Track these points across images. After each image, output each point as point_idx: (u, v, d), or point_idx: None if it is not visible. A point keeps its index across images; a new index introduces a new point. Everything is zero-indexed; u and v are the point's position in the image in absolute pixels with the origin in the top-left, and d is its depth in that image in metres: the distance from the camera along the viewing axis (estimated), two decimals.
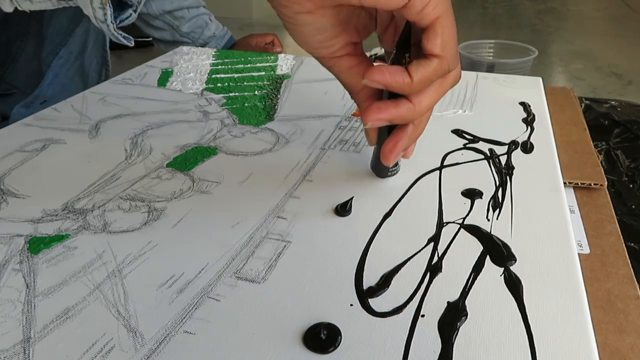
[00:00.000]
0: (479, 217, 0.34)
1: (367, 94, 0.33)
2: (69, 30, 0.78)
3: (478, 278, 0.29)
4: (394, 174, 0.39)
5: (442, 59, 0.29)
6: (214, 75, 0.62)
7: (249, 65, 0.65)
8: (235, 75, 0.62)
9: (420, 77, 0.29)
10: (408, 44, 0.31)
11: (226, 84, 0.59)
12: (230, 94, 0.56)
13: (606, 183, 0.45)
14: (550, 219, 0.34)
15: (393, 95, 0.31)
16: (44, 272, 0.30)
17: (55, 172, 0.41)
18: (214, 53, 0.70)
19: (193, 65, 0.65)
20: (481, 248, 0.32)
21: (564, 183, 0.40)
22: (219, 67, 0.65)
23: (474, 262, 0.30)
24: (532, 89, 0.57)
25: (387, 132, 0.34)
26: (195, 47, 0.81)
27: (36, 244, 0.32)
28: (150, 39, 1.13)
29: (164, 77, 0.61)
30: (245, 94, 0.56)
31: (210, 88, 0.58)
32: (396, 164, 0.38)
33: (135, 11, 0.48)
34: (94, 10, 0.42)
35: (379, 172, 0.39)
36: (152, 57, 0.68)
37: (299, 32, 0.31)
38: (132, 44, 0.51)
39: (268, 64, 0.65)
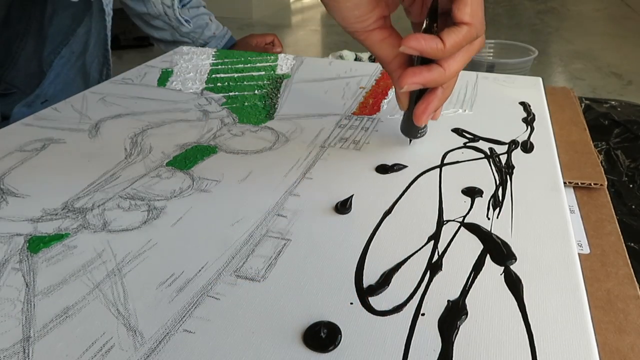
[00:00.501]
0: (479, 215, 0.34)
1: (399, 62, 0.36)
2: (71, 30, 0.78)
3: (478, 277, 0.29)
4: (423, 135, 0.43)
5: (471, 26, 0.33)
6: (214, 75, 0.62)
7: (249, 65, 0.65)
8: (235, 75, 0.62)
9: (452, 43, 0.32)
10: (436, 15, 0.35)
11: (226, 83, 0.59)
12: (230, 94, 0.56)
13: (606, 183, 0.45)
14: (550, 219, 0.34)
15: (424, 63, 0.35)
16: (43, 271, 0.30)
17: (55, 171, 0.41)
18: (214, 53, 0.70)
19: (193, 65, 0.65)
20: (481, 247, 0.32)
21: (564, 183, 0.40)
22: (219, 66, 0.65)
23: (474, 261, 0.30)
24: (532, 89, 0.57)
25: (417, 97, 0.38)
26: (196, 47, 0.81)
27: (36, 243, 0.32)
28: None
29: (164, 77, 0.61)
30: (245, 93, 0.56)
31: (210, 87, 0.58)
32: (424, 126, 0.42)
33: None
34: None
35: (410, 133, 0.43)
36: (152, 57, 0.68)
37: (339, 9, 0.34)
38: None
39: (268, 63, 0.65)
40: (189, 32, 1.01)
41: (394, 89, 0.40)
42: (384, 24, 0.36)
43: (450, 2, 0.33)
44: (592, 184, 0.45)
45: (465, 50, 0.34)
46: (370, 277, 0.29)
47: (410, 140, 0.44)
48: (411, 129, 0.42)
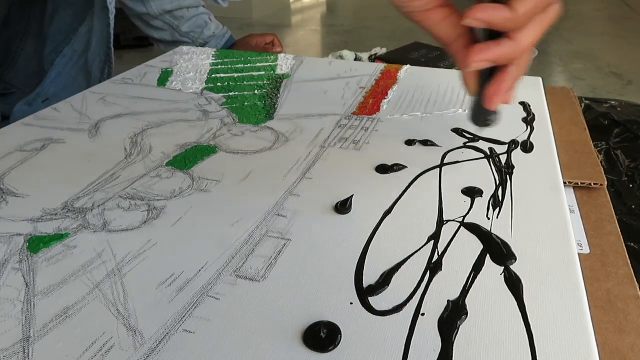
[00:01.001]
0: (479, 215, 0.34)
1: (463, 42, 0.33)
2: (73, 29, 0.78)
3: (478, 277, 0.29)
4: (494, 122, 0.39)
5: None
6: (214, 75, 0.62)
7: (249, 65, 0.65)
8: (235, 75, 0.62)
9: (524, 11, 0.29)
10: None
11: (226, 83, 0.59)
12: (230, 94, 0.56)
13: (606, 183, 0.45)
14: (550, 219, 0.34)
15: (492, 38, 0.31)
16: (43, 271, 0.30)
17: (55, 171, 0.41)
18: (214, 53, 0.70)
19: (193, 65, 0.65)
20: (481, 247, 0.32)
21: (564, 183, 0.40)
22: (219, 66, 0.65)
23: (474, 261, 0.30)
24: (532, 89, 0.57)
25: (486, 78, 0.34)
26: (195, 47, 0.81)
27: (36, 243, 0.32)
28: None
29: (164, 77, 0.61)
30: (245, 93, 0.56)
31: (210, 88, 0.58)
32: (496, 112, 0.38)
33: None
34: None
35: (479, 120, 0.39)
36: (152, 57, 0.68)
37: None
38: (226, 4, 0.55)
39: (268, 63, 0.65)
40: (188, 32, 1.01)
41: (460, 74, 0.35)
42: (444, 1, 0.32)
43: None
44: (592, 184, 0.45)
45: (540, 20, 0.31)
46: (370, 277, 0.29)
47: (482, 127, 0.41)
48: (481, 115, 0.38)
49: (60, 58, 0.79)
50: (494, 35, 0.31)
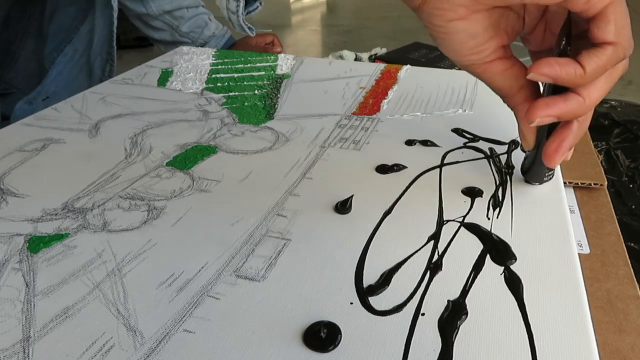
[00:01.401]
0: (479, 215, 0.34)
1: (524, 96, 0.32)
2: (73, 28, 0.78)
3: (478, 277, 0.29)
4: (550, 179, 0.37)
5: (617, 45, 0.27)
6: (214, 75, 0.62)
7: (249, 65, 0.65)
8: (235, 75, 0.62)
9: (594, 68, 0.27)
10: (570, 34, 0.30)
11: (226, 83, 0.59)
12: (230, 94, 0.56)
13: (606, 183, 0.45)
14: (550, 219, 0.34)
15: (555, 93, 0.30)
16: (43, 271, 0.30)
17: (55, 171, 0.41)
18: (213, 53, 0.70)
19: (193, 65, 0.65)
20: (481, 247, 0.32)
21: (564, 183, 0.40)
22: (219, 67, 0.65)
23: (474, 261, 0.30)
24: None
25: (544, 135, 0.33)
26: (195, 47, 0.81)
27: (36, 243, 0.32)
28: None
29: (164, 77, 0.61)
30: (245, 93, 0.56)
31: (210, 88, 0.58)
32: (553, 169, 0.37)
33: (261, 3, 0.52)
34: (227, 2, 0.44)
35: (536, 176, 0.37)
36: (152, 57, 0.68)
37: (450, 40, 0.30)
38: (254, 33, 0.55)
39: (268, 63, 0.65)
40: (188, 32, 1.01)
41: (517, 127, 0.34)
42: (504, 53, 0.31)
43: (586, 21, 0.28)
44: (592, 184, 0.45)
45: (608, 75, 0.29)
46: (370, 277, 0.29)
47: (538, 184, 0.38)
48: (538, 172, 0.37)
49: (61, 56, 0.79)
50: (558, 89, 0.29)
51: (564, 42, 0.30)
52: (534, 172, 0.37)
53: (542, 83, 0.31)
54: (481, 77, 0.32)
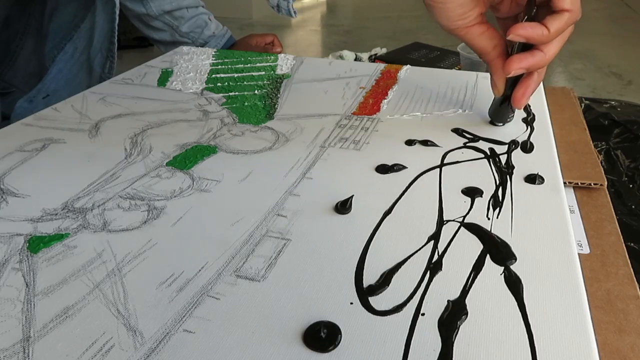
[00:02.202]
0: (479, 215, 0.34)
1: (498, 52, 0.41)
2: (74, 25, 0.78)
3: (478, 277, 0.29)
4: (512, 120, 0.47)
5: (572, 12, 0.37)
6: (214, 75, 0.62)
7: (249, 65, 0.65)
8: (235, 75, 0.62)
9: (556, 29, 0.37)
10: (535, 5, 0.39)
11: (226, 83, 0.59)
12: (230, 94, 0.56)
13: (606, 183, 0.45)
14: (550, 219, 0.34)
15: (523, 50, 0.39)
16: (43, 271, 0.30)
17: (55, 171, 0.41)
18: (213, 53, 0.70)
19: (193, 65, 0.65)
20: (481, 247, 0.32)
21: (564, 183, 0.40)
22: (219, 67, 0.65)
23: (474, 261, 0.30)
24: None
25: (512, 84, 0.43)
26: (195, 47, 0.81)
27: (36, 243, 0.32)
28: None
29: (164, 77, 0.61)
30: (245, 93, 0.56)
31: (210, 88, 0.58)
32: (514, 111, 0.46)
33: None
34: None
35: (502, 117, 0.46)
36: (152, 57, 0.68)
37: (444, 9, 0.39)
38: (296, 16, 0.65)
39: (268, 63, 0.65)
40: (188, 32, 1.01)
41: (489, 77, 0.44)
42: (482, 19, 0.40)
43: None
44: (592, 184, 0.45)
45: (562, 36, 0.38)
46: (370, 277, 0.29)
47: (503, 124, 0.47)
48: (504, 114, 0.46)
49: (62, 54, 0.79)
50: (525, 47, 0.39)
51: (534, 10, 0.39)
52: (501, 114, 0.46)
53: (515, 43, 0.40)
54: (464, 39, 0.41)
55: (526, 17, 0.40)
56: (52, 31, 0.78)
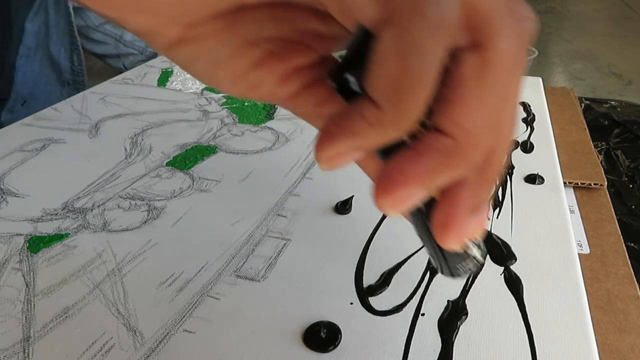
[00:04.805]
0: None
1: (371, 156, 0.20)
2: (21, 27, 0.77)
3: (478, 277, 0.29)
4: (476, 267, 0.20)
5: (396, 22, 0.14)
6: None
7: None
8: None
9: (386, 89, 0.14)
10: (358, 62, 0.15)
11: None
12: None
13: (606, 183, 0.45)
14: (550, 219, 0.34)
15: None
16: (43, 271, 0.30)
17: (55, 171, 0.41)
18: None
19: None
20: None
21: (564, 183, 0.40)
22: None
23: None
24: (532, 89, 0.57)
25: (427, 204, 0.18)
26: (144, 57, 0.78)
27: (36, 243, 0.32)
28: None
29: (164, 77, 0.61)
30: None
31: (210, 88, 0.58)
32: (467, 252, 0.19)
33: None
34: None
35: (449, 268, 0.20)
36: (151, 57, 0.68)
37: (194, 75, 0.20)
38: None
39: None
40: (133, 40, 0.96)
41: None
42: (311, 76, 0.19)
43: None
44: (592, 184, 0.45)
45: (485, 83, 0.15)
46: (370, 277, 0.29)
47: (455, 277, 0.20)
48: (449, 261, 0.20)
49: (18, 58, 0.78)
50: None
51: (332, 79, 0.16)
52: (445, 261, 0.20)
53: None
54: (303, 119, 0.21)
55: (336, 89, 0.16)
56: (15, 37, 0.77)
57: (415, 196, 0.16)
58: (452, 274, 0.20)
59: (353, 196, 0.36)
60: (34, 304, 0.28)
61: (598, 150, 0.66)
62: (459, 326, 0.26)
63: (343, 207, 0.35)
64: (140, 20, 0.17)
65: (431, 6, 0.13)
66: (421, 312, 0.27)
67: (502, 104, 0.15)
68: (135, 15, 0.17)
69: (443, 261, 0.20)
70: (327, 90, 0.19)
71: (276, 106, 0.53)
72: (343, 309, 0.27)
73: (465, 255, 0.19)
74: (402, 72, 0.13)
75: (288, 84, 0.19)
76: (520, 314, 0.27)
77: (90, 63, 0.82)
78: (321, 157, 0.17)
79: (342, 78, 0.16)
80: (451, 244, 0.17)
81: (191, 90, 0.57)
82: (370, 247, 0.32)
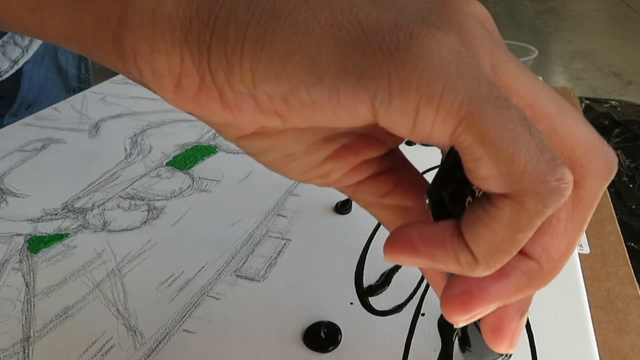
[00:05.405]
0: None
1: (420, 241, 0.17)
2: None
3: None
4: None
5: (517, 198, 0.14)
6: None
7: None
8: None
9: (488, 250, 0.14)
10: (452, 176, 0.16)
11: None
12: None
13: None
14: None
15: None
16: (43, 271, 0.30)
17: (55, 171, 0.41)
18: None
19: None
20: None
21: None
22: None
23: None
24: None
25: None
26: None
27: (36, 243, 0.32)
28: None
29: None
30: None
31: None
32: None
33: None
34: None
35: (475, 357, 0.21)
36: None
37: (264, 164, 0.21)
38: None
39: None
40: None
41: None
42: (378, 167, 0.20)
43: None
44: None
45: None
46: (370, 277, 0.29)
47: None
48: (479, 354, 0.21)
49: (25, 64, 0.78)
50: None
51: (429, 198, 0.16)
52: (472, 354, 0.22)
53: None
54: (360, 205, 0.21)
55: (431, 206, 0.16)
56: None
57: (487, 312, 0.16)
58: None
59: None
60: (34, 304, 0.28)
61: None
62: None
63: (343, 207, 0.35)
64: (224, 115, 0.16)
65: (553, 196, 0.13)
66: (421, 312, 0.27)
67: (581, 233, 0.16)
68: (221, 113, 0.16)
69: (482, 356, 0.21)
70: (390, 182, 0.20)
71: None
72: (343, 309, 0.27)
73: (499, 354, 0.20)
74: (510, 242, 0.14)
75: (356, 174, 0.19)
76: None
77: (90, 63, 0.82)
78: (392, 257, 0.18)
79: (437, 196, 0.16)
80: (504, 349, 0.18)
81: None
82: (370, 247, 0.32)
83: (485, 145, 0.13)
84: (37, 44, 0.54)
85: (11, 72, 0.45)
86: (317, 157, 0.19)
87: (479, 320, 0.18)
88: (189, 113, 0.17)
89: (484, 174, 0.14)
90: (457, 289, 0.16)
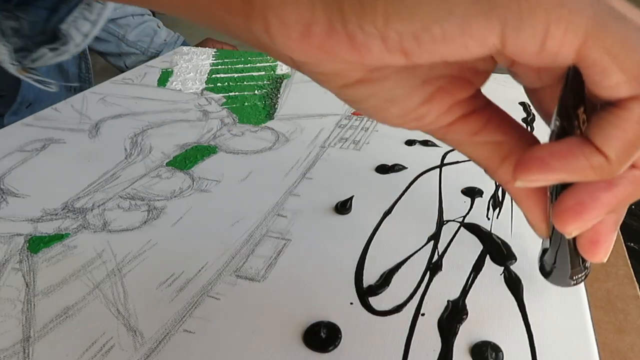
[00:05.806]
0: (479, 215, 0.34)
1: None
2: None
3: (478, 277, 0.29)
4: (582, 280, 0.22)
5: None
6: (214, 75, 0.62)
7: (249, 65, 0.65)
8: (235, 75, 0.62)
9: (620, 148, 0.16)
10: (580, 100, 0.17)
11: (226, 83, 0.59)
12: (230, 94, 0.56)
13: None
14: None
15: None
16: (43, 271, 0.30)
17: (55, 171, 0.41)
18: (213, 53, 0.70)
19: (193, 65, 0.65)
20: (481, 247, 0.32)
21: None
22: (219, 67, 0.65)
23: (474, 261, 0.30)
24: None
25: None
26: (146, 57, 0.78)
27: (36, 243, 0.32)
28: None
29: (164, 77, 0.61)
30: (245, 93, 0.56)
31: (210, 88, 0.58)
32: (584, 265, 0.22)
33: (55, 49, 0.46)
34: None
35: (560, 278, 0.22)
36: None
37: (363, 110, 0.21)
38: (53, 89, 0.48)
39: (268, 63, 0.65)
40: (136, 40, 0.96)
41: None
42: (471, 106, 0.21)
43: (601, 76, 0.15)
44: None
45: None
46: (370, 277, 0.29)
47: (569, 286, 0.23)
48: (562, 270, 0.22)
49: None
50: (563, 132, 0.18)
51: (559, 119, 0.18)
52: (558, 270, 0.22)
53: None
54: (450, 145, 0.23)
55: (555, 129, 0.18)
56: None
57: (598, 219, 0.18)
58: (568, 283, 0.22)
59: (353, 196, 0.36)
60: (34, 304, 0.28)
61: None
62: (459, 326, 0.26)
63: (343, 207, 0.35)
64: (332, 65, 0.18)
65: None
66: (421, 312, 0.27)
67: None
68: (329, 62, 0.17)
69: (568, 271, 0.22)
70: (481, 120, 0.21)
71: (276, 106, 0.53)
72: (343, 309, 0.27)
73: (584, 267, 0.22)
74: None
75: (449, 115, 0.21)
76: (520, 314, 0.27)
77: (91, 62, 0.82)
78: (526, 179, 0.18)
79: (567, 115, 0.17)
80: (600, 258, 0.20)
81: (191, 90, 0.57)
82: (370, 247, 0.32)
83: (612, 55, 0.15)
84: (103, 18, 0.56)
85: (83, 45, 0.46)
86: (415, 100, 0.20)
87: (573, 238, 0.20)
88: (305, 61, 0.18)
89: (614, 81, 0.15)
90: (571, 201, 0.18)
